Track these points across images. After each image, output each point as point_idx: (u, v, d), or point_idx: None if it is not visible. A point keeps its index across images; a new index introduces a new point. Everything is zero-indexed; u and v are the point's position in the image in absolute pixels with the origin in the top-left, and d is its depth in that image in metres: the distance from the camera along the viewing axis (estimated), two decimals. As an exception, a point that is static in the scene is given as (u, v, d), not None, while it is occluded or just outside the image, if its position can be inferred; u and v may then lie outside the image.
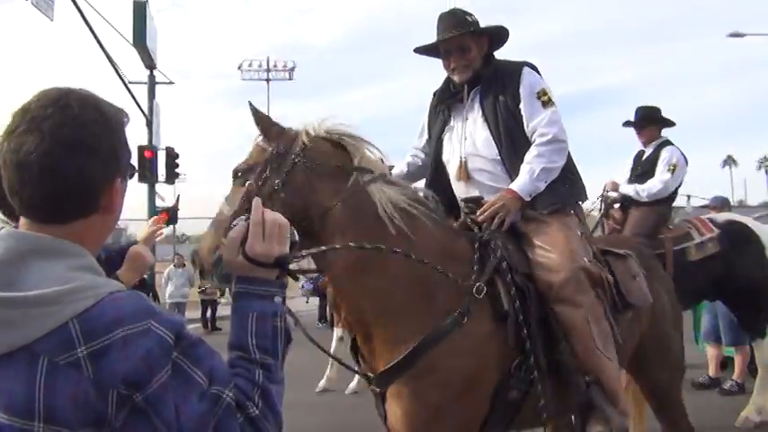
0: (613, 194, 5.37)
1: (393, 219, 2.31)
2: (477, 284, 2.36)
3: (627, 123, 5.44)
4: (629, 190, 5.25)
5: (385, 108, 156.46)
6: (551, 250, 2.57)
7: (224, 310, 15.31)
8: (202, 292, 13.98)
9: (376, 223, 2.30)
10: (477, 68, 2.86)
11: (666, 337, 3.11)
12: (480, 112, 2.84)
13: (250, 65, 41.52)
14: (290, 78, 42.11)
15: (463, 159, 2.85)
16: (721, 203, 7.18)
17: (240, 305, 1.22)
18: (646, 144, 5.39)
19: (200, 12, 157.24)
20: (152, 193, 16.98)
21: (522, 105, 2.76)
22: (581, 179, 2.91)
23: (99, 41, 13.04)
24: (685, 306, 5.32)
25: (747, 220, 5.45)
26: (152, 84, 17.24)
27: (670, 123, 5.43)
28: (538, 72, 2.86)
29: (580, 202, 2.94)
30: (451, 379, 2.27)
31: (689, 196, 11.82)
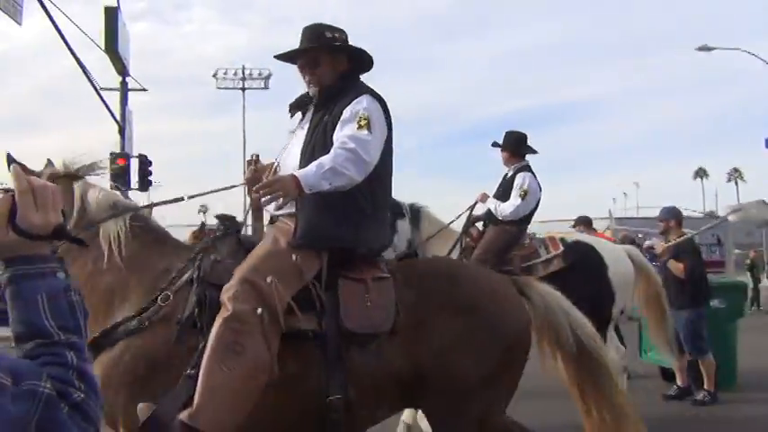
0: (479, 212, 5.81)
1: (112, 247, 2.72)
2: (164, 293, 2.61)
3: (494, 144, 5.84)
4: (491, 204, 5.69)
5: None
6: (245, 263, 2.67)
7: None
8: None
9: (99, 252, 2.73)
10: (328, 84, 2.87)
11: (447, 366, 2.64)
12: (307, 126, 2.89)
13: (225, 73, 41.28)
14: (266, 87, 41.91)
15: (276, 167, 2.94)
16: (674, 215, 6.90)
17: (21, 289, 1.06)
18: (507, 165, 5.80)
19: (177, 19, 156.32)
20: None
21: (338, 124, 2.74)
22: (380, 227, 2.83)
23: (69, 47, 12.88)
24: None
25: (594, 240, 5.90)
26: (124, 91, 17.06)
27: (529, 151, 5.82)
28: (382, 104, 2.82)
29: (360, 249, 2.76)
30: (134, 370, 2.53)
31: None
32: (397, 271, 2.79)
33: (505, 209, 5.53)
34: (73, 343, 1.06)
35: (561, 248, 5.38)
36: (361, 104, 2.73)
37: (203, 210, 36.21)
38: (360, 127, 2.66)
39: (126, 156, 16.24)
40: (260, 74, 41.36)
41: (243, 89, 41.23)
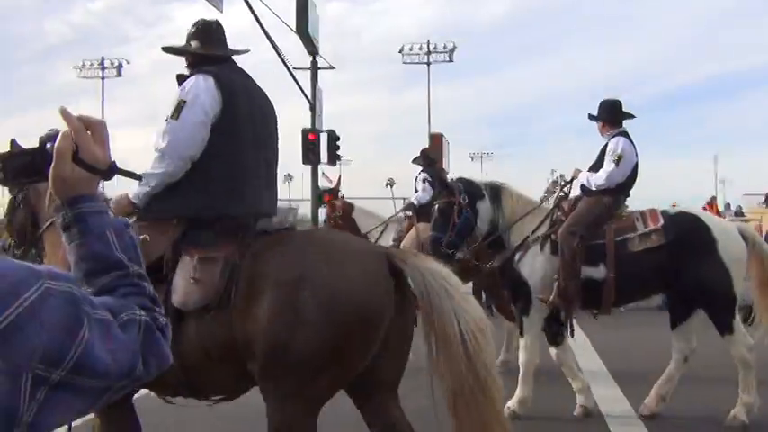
0: (575, 191, 5.59)
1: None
2: None
3: (590, 117, 5.59)
4: (583, 178, 5.42)
5: (550, 86, 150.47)
6: None
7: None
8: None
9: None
10: (181, 74, 3.11)
11: (269, 341, 2.55)
12: None
13: (411, 48, 41.89)
14: (451, 60, 41.93)
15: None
16: None
17: (90, 225, 1.09)
18: (603, 135, 5.49)
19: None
20: (315, 174, 17.75)
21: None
22: (205, 193, 2.91)
23: (265, 30, 13.74)
24: (632, 299, 5.59)
25: (701, 213, 5.42)
26: (314, 69, 17.96)
27: (625, 117, 5.51)
28: (217, 79, 2.92)
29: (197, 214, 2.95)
30: None
31: None
32: (262, 248, 2.80)
33: (598, 178, 5.26)
34: (142, 273, 1.12)
35: (661, 222, 4.98)
36: (183, 88, 2.94)
37: (390, 183, 37.12)
38: (171, 115, 2.89)
39: (316, 131, 17.12)
40: (445, 47, 41.46)
41: (428, 63, 41.59)
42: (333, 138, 17.40)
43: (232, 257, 2.75)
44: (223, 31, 3.16)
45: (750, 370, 4.76)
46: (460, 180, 5.60)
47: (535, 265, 5.13)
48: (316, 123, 17.48)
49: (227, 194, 2.93)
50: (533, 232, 5.27)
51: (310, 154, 16.95)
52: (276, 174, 3.21)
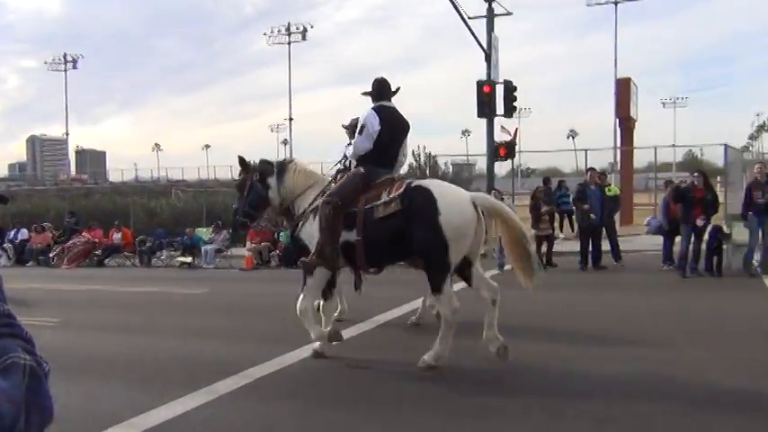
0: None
1: None
2: None
3: (363, 94, 6.20)
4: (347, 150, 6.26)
5: (752, 21, 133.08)
6: None
7: (559, 245, 14.95)
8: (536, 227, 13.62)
9: None
10: None
11: None
12: None
13: (596, -12, 39.22)
14: (641, -3, 38.66)
15: None
16: None
17: None
18: None
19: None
20: (491, 128, 17.23)
21: None
22: None
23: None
24: (382, 260, 6.01)
25: (437, 185, 5.80)
26: (490, 17, 17.23)
27: (389, 93, 6.13)
28: None
29: None
30: None
31: None
32: None
33: (350, 148, 6.08)
34: (11, 313, 0.94)
35: (399, 191, 5.60)
36: None
37: (572, 134, 35.22)
38: None
39: (492, 83, 16.53)
40: (635, -17, 38.29)
41: (615, 2, 38.77)
42: (509, 89, 16.71)
43: None
44: None
45: (450, 327, 5.51)
46: (261, 161, 6.66)
47: (311, 232, 5.94)
48: (492, 74, 16.85)
49: None
50: (311, 203, 6.09)
51: (486, 107, 16.45)
52: None
